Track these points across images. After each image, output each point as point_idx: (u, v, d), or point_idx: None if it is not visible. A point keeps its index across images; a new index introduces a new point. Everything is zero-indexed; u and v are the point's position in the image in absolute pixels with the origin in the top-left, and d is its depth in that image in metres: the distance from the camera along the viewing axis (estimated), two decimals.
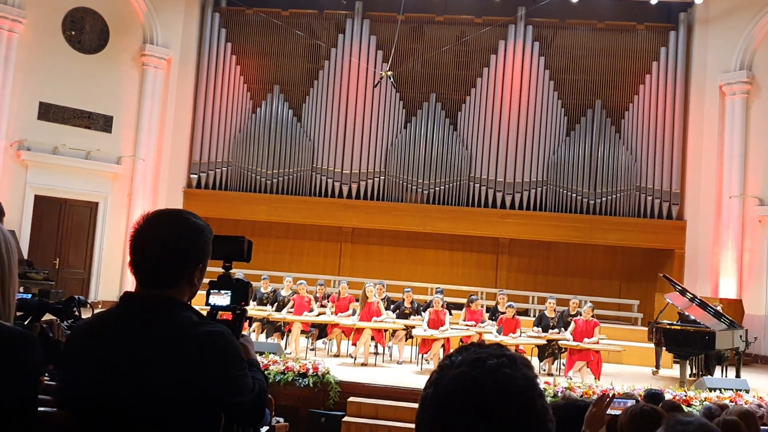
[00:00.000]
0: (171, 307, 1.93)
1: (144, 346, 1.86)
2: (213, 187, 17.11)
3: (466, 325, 11.44)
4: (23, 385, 1.75)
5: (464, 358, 1.19)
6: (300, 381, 9.28)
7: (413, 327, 11.39)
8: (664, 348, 11.44)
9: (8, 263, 1.82)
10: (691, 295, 11.53)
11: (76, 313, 2.61)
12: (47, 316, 2.45)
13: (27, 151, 14.74)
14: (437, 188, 16.58)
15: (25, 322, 2.22)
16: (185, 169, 17.16)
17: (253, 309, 11.66)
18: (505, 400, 1.13)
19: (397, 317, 11.69)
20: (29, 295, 2.29)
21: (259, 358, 9.47)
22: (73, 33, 15.63)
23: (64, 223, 15.36)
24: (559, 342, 11.02)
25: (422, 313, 11.75)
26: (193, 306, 2.01)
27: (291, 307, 11.81)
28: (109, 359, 1.86)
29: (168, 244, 1.95)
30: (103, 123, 15.88)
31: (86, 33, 15.80)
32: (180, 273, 1.97)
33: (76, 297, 2.31)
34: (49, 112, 15.17)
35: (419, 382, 9.61)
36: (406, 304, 11.86)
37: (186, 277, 1.98)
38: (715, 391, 9.47)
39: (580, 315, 11.03)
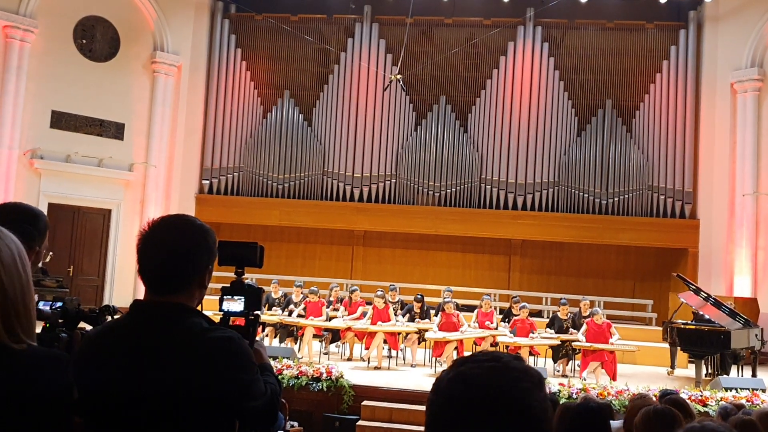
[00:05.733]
0: (182, 314, 1.94)
1: (155, 353, 1.87)
2: (225, 193, 17.18)
3: (481, 329, 11.41)
4: (54, 408, 1.73)
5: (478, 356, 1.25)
6: (314, 385, 9.28)
7: (426, 330, 11.37)
8: (679, 348, 11.37)
9: (26, 279, 1.80)
10: (706, 295, 11.46)
11: (110, 321, 2.65)
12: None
13: (40, 160, 14.86)
14: (448, 190, 16.56)
15: (64, 330, 2.27)
16: (197, 175, 17.23)
17: (265, 314, 11.69)
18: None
19: (408, 321, 11.69)
20: (59, 303, 2.35)
21: (272, 362, 9.50)
22: (84, 41, 15.75)
23: (78, 230, 15.46)
24: (573, 343, 10.97)
25: (431, 316, 11.75)
26: (204, 313, 2.02)
27: (303, 311, 11.82)
28: (121, 366, 1.88)
29: (178, 249, 1.97)
30: (114, 130, 15.98)
31: (97, 41, 15.91)
32: (191, 276, 1.99)
33: (111, 306, 2.36)
34: (61, 121, 15.28)
35: None
36: (416, 309, 11.85)
37: (197, 279, 2.01)
38: (731, 390, 9.41)
39: (593, 316, 10.98)
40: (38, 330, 2.19)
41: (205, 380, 1.85)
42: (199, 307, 2.05)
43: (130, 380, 1.85)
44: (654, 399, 4.64)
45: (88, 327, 2.26)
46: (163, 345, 1.88)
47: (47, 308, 2.29)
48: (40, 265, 2.38)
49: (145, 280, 1.99)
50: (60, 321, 2.25)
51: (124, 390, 1.86)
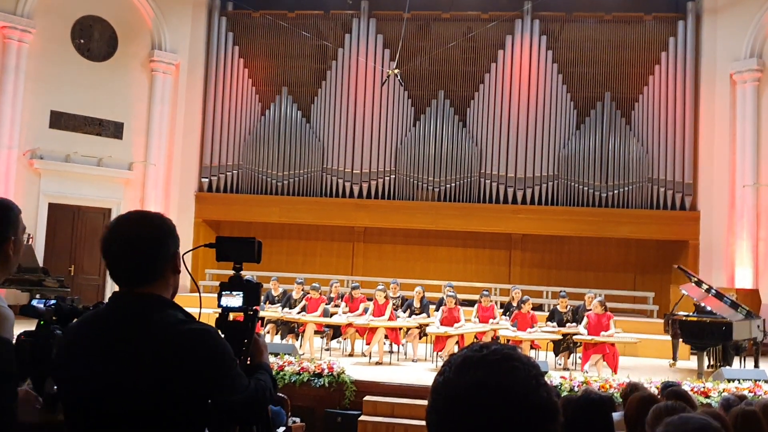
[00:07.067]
0: (158, 306, 1.94)
1: (131, 345, 1.87)
2: (224, 191, 17.16)
3: (482, 323, 11.41)
4: None
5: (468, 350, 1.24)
6: (315, 381, 9.29)
7: (427, 325, 11.38)
8: (680, 340, 11.37)
9: None
10: (707, 286, 11.46)
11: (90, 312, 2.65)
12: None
13: (40, 160, 14.86)
14: (448, 185, 16.55)
15: (58, 327, 2.29)
16: (196, 173, 17.22)
17: (266, 310, 11.70)
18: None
19: (408, 316, 11.69)
20: (53, 301, 2.37)
21: (273, 359, 9.50)
22: (82, 41, 15.73)
23: (78, 230, 15.47)
24: (574, 336, 10.97)
25: (429, 310, 11.74)
26: (182, 306, 2.01)
27: (303, 308, 11.82)
28: (99, 358, 1.88)
29: (144, 239, 1.97)
30: (113, 129, 15.97)
31: (95, 41, 15.89)
32: (162, 263, 1.99)
33: (104, 303, 2.38)
34: (60, 121, 15.27)
35: None
36: (416, 303, 11.84)
37: (169, 265, 2.01)
38: (733, 381, 9.40)
39: (596, 305, 10.96)
40: (33, 327, 2.20)
41: (181, 372, 1.85)
42: (196, 300, 2.05)
43: (106, 373, 1.85)
44: (647, 388, 4.64)
45: None
46: (139, 337, 1.88)
47: (41, 306, 2.30)
48: (28, 244, 2.45)
49: (118, 279, 1.98)
50: (54, 318, 2.26)
51: (100, 382, 1.86)
